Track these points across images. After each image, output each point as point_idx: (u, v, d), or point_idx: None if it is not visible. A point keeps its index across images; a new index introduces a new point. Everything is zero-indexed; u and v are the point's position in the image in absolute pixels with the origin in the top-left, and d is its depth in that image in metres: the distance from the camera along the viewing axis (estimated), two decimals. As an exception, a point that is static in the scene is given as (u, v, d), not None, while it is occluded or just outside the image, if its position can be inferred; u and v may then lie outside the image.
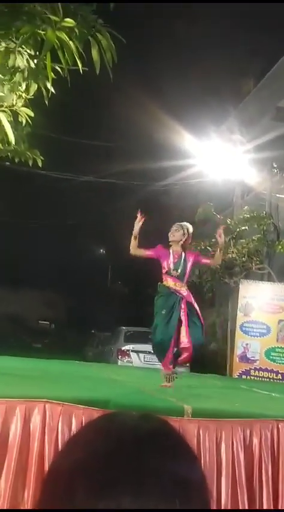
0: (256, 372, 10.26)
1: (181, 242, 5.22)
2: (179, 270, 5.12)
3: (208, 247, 12.09)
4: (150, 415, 0.62)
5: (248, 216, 11.85)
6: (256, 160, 12.48)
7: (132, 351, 12.06)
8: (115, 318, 20.35)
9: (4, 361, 6.85)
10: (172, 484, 0.52)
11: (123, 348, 12.39)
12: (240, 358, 10.49)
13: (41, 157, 5.29)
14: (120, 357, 12.20)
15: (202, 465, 2.58)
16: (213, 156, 12.59)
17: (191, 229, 5.34)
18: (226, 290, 13.14)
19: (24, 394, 3.36)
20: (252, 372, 10.27)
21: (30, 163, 5.30)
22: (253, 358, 10.40)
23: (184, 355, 4.99)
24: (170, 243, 5.26)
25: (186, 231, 5.26)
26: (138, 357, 11.88)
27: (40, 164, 5.34)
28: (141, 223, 5.17)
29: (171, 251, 5.22)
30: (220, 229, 5.46)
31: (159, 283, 5.27)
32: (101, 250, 32.07)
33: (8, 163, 5.96)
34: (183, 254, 5.20)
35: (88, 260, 29.28)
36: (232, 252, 11.68)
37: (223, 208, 13.94)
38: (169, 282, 5.13)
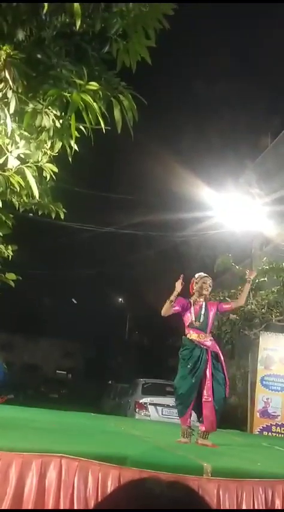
0: (278, 428, 9.91)
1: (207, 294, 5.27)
2: (201, 321, 5.11)
3: (226, 298, 12.02)
4: (177, 483, 0.64)
5: (267, 267, 11.81)
6: (275, 212, 12.60)
7: (149, 403, 11.80)
8: (133, 369, 20.07)
9: (20, 412, 6.78)
10: None
11: (140, 401, 12.13)
12: (261, 414, 10.16)
13: (64, 210, 5.44)
14: (137, 409, 11.93)
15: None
16: (231, 208, 12.76)
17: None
18: (245, 342, 12.93)
19: (40, 448, 3.32)
20: (273, 428, 9.91)
21: (53, 215, 5.45)
22: (274, 414, 10.07)
23: (208, 417, 4.95)
24: (192, 295, 5.28)
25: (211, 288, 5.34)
26: (156, 410, 11.60)
27: (62, 216, 5.48)
28: (180, 287, 5.13)
29: (191, 302, 5.21)
30: (253, 270, 5.50)
31: (183, 336, 5.26)
32: (120, 300, 32.04)
33: (31, 214, 6.14)
34: (204, 304, 5.20)
35: (107, 310, 29.26)
36: (252, 303, 11.57)
37: (242, 259, 13.95)
38: (192, 334, 5.13)
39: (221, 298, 12.08)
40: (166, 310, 5.20)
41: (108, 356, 28.72)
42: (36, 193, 4.08)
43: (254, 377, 11.23)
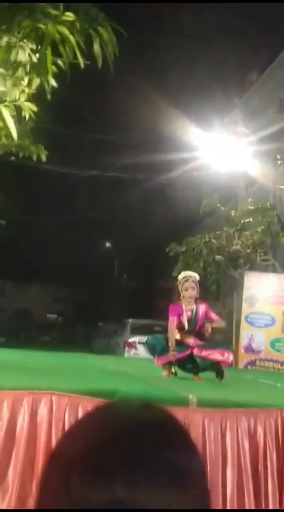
0: (261, 362, 10.29)
1: (196, 296, 5.21)
2: (192, 326, 5.11)
3: (212, 240, 12.10)
4: (149, 404, 0.62)
5: (252, 208, 11.83)
6: (260, 152, 12.45)
7: (138, 342, 12.12)
8: (122, 311, 20.45)
9: (12, 354, 6.92)
10: (168, 474, 0.53)
11: (129, 340, 12.45)
12: (245, 349, 10.51)
13: (45, 152, 5.31)
14: (126, 348, 12.27)
15: (208, 454, 2.64)
16: (217, 148, 12.56)
17: (198, 278, 5.34)
18: (231, 282, 13.15)
19: (31, 386, 3.41)
20: (257, 363, 10.30)
21: (35, 158, 5.32)
22: (258, 349, 10.42)
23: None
24: (181, 298, 5.20)
25: (198, 285, 5.24)
26: (145, 348, 11.94)
27: (44, 159, 5.36)
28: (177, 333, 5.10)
29: (183, 308, 5.15)
30: (208, 327, 5.27)
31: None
32: (108, 244, 32.09)
33: (13, 157, 5.97)
34: (195, 308, 5.16)
35: (95, 254, 29.34)
36: (237, 243, 11.68)
37: (227, 200, 13.92)
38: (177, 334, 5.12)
39: (207, 239, 12.16)
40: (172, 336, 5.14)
41: (98, 299, 29.14)
42: (14, 134, 3.95)
43: (238, 315, 11.52)
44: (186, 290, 5.14)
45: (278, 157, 12.00)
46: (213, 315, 5.31)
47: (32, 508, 3.00)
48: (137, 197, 17.79)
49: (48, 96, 4.07)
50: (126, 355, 12.05)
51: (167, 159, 14.62)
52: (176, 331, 5.12)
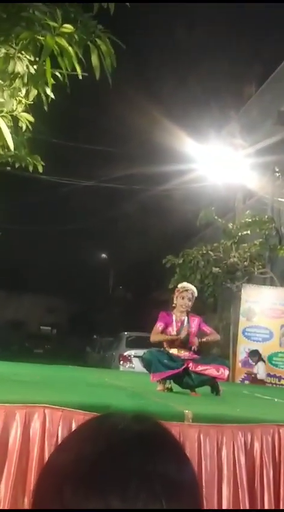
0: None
1: (188, 309, 5.18)
2: (184, 340, 5.06)
3: (209, 252, 12.09)
4: (142, 416, 0.62)
5: (250, 220, 11.85)
6: (258, 164, 12.51)
7: (134, 356, 12.03)
8: (117, 323, 20.35)
9: (4, 366, 6.84)
10: (161, 485, 0.53)
11: (124, 354, 12.36)
12: (242, 364, 10.45)
13: (42, 163, 5.31)
14: (121, 362, 12.17)
15: (203, 470, 2.59)
16: (214, 160, 12.60)
17: (196, 293, 5.31)
18: (228, 295, 13.13)
19: (24, 399, 3.35)
20: (254, 377, 10.22)
21: (31, 168, 5.32)
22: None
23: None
24: (174, 306, 5.21)
25: (194, 299, 5.22)
26: (140, 362, 11.85)
27: (41, 169, 5.36)
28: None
29: (173, 318, 5.14)
30: (196, 340, 5.26)
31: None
32: (103, 255, 32.06)
33: (8, 168, 5.97)
34: (186, 319, 5.13)
35: (89, 265, 29.31)
36: (234, 256, 11.67)
37: (225, 213, 13.95)
38: (170, 350, 5.09)
39: (204, 252, 12.15)
40: (156, 337, 5.17)
41: (93, 311, 29.02)
42: (11, 144, 3.93)
43: (236, 329, 11.47)
44: (182, 298, 5.12)
45: (277, 169, 12.05)
46: (206, 328, 5.28)
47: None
48: (133, 208, 17.84)
49: (45, 108, 4.07)
50: (121, 368, 11.95)
51: (164, 171, 14.68)
52: (159, 334, 5.11)
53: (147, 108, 13.44)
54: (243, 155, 12.34)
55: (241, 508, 3.55)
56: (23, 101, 4.34)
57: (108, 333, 17.99)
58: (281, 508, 3.65)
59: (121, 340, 13.82)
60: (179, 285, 5.34)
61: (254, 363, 9.86)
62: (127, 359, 12.12)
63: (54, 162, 9.24)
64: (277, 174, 12.31)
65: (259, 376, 9.70)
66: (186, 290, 5.19)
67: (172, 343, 5.16)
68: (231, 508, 3.53)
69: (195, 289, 5.36)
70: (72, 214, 23.70)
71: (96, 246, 29.05)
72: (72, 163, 16.85)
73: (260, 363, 9.81)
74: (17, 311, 29.60)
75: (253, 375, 9.81)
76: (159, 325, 5.14)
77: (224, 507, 3.54)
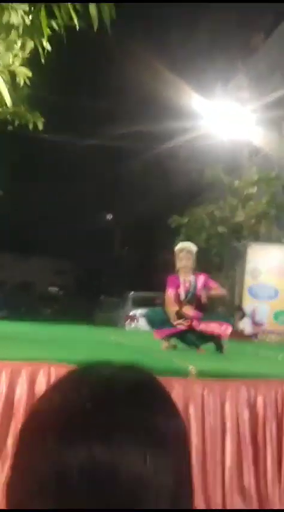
0: (265, 334, 10.31)
1: (192, 267, 5.15)
2: (190, 297, 5.06)
3: (215, 211, 11.98)
4: (132, 366, 0.61)
5: (256, 178, 11.65)
6: (265, 119, 12.15)
7: (140, 315, 12.14)
8: (124, 284, 20.48)
9: (13, 326, 6.93)
10: (147, 435, 0.52)
11: (131, 313, 12.48)
12: (248, 322, 10.51)
13: (42, 119, 5.19)
14: (128, 321, 12.31)
15: (207, 425, 2.59)
16: (220, 115, 12.24)
17: (195, 250, 5.28)
18: (234, 254, 13.09)
19: (30, 356, 3.40)
20: (260, 335, 10.31)
21: (31, 126, 5.20)
22: (261, 322, 10.42)
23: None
24: (177, 269, 5.18)
25: (194, 256, 5.18)
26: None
27: (41, 126, 5.24)
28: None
29: (181, 280, 5.12)
30: (204, 294, 5.22)
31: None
32: (108, 216, 31.94)
33: (10, 127, 5.84)
34: (193, 279, 5.11)
35: (95, 226, 29.24)
36: (240, 215, 11.56)
37: (231, 171, 13.71)
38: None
39: (210, 211, 12.04)
40: (169, 309, 5.13)
41: (99, 272, 29.21)
42: (8, 100, 3.82)
43: (241, 288, 11.50)
44: (180, 261, 5.12)
45: (284, 124, 11.73)
46: (212, 283, 5.28)
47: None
48: (138, 168, 17.55)
49: (42, 60, 3.93)
50: (127, 328, 12.10)
51: (168, 128, 14.33)
52: (174, 303, 5.12)
53: (149, 60, 12.98)
54: (250, 110, 11.96)
55: (244, 462, 3.63)
56: (20, 54, 4.19)
57: (115, 293, 18.13)
58: (283, 461, 3.72)
59: (127, 300, 13.94)
60: (175, 248, 5.30)
61: (238, 319, 9.99)
62: (134, 318, 12.24)
63: (55, 120, 9.04)
64: (284, 131, 12.01)
65: (245, 332, 9.82)
66: (181, 251, 5.18)
67: (179, 302, 5.18)
68: (235, 461, 3.61)
69: (190, 245, 5.33)
70: (77, 174, 23.40)
71: (101, 206, 28.89)
72: (74, 121, 16.46)
73: (245, 319, 9.96)
74: (24, 273, 29.84)
75: (239, 331, 9.89)
76: (170, 292, 5.14)
77: (227, 462, 3.61)
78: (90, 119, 17.00)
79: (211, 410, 3.57)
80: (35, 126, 5.24)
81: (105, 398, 0.54)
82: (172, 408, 0.59)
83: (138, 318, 12.19)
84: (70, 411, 0.53)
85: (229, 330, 5.08)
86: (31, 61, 4.40)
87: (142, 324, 12.03)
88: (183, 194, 17.05)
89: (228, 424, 3.62)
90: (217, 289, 5.34)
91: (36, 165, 22.25)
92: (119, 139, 15.54)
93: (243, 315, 10.07)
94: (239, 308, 10.61)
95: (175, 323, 5.03)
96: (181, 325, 4.98)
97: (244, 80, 13.11)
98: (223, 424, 3.61)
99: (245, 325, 9.91)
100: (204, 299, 5.11)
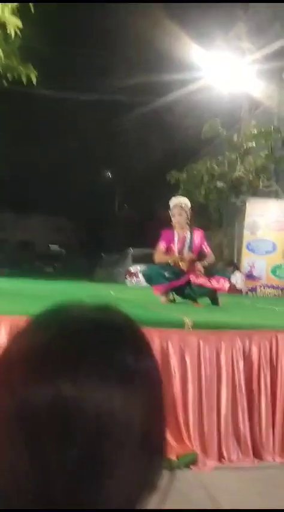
0: (262, 289, 10.43)
1: (187, 222, 5.12)
2: (184, 252, 5.06)
3: (214, 166, 11.85)
4: (106, 307, 0.59)
5: (255, 131, 11.44)
6: (265, 71, 11.80)
7: (140, 271, 12.23)
8: (124, 241, 20.50)
9: (14, 283, 7.00)
10: (115, 372, 0.52)
11: (130, 269, 12.57)
12: (246, 277, 10.61)
13: (35, 72, 5.06)
14: (128, 277, 12.42)
15: (203, 374, 2.66)
16: (219, 66, 11.87)
17: (189, 205, 5.24)
18: (233, 210, 13.05)
19: (30, 311, 3.45)
20: (258, 290, 10.43)
21: (24, 79, 5.08)
22: (259, 276, 10.52)
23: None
24: (173, 225, 5.17)
25: (188, 211, 5.16)
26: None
27: (34, 80, 5.12)
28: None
29: (176, 235, 5.11)
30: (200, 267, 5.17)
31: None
32: (107, 174, 31.59)
33: (4, 82, 5.69)
34: (189, 235, 5.10)
35: (95, 184, 28.96)
36: (239, 170, 11.44)
37: (231, 125, 13.46)
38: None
39: (209, 166, 11.90)
40: (158, 258, 5.14)
41: (100, 230, 29.18)
42: (-1, 51, 3.72)
43: (240, 243, 11.53)
44: (174, 216, 5.13)
45: (284, 77, 11.40)
46: (206, 247, 5.30)
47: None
48: (136, 123, 17.19)
49: (32, 9, 3.80)
50: (127, 283, 12.21)
51: (166, 80, 13.94)
52: (164, 255, 5.16)
53: (146, 10, 12.48)
54: (250, 61, 11.59)
55: (239, 409, 3.77)
56: (9, 5, 4.04)
57: (115, 250, 18.18)
58: (277, 407, 3.85)
59: (127, 256, 14.03)
60: (170, 203, 5.28)
61: (230, 274, 10.08)
62: (133, 274, 12.34)
63: (49, 74, 8.78)
64: (285, 82, 11.68)
65: (238, 286, 9.94)
66: (174, 207, 5.17)
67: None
68: (230, 408, 3.74)
69: (183, 200, 5.32)
70: (75, 131, 22.91)
71: (100, 164, 28.50)
72: (69, 75, 15.96)
73: (237, 273, 10.06)
74: (25, 231, 29.83)
75: (231, 286, 10.02)
76: (162, 245, 5.19)
77: (223, 409, 3.74)
78: (86, 72, 16.51)
79: (207, 360, 3.67)
80: (29, 80, 5.12)
81: (73, 337, 0.53)
82: (144, 348, 0.58)
83: (138, 274, 12.29)
84: (38, 349, 0.53)
85: (227, 284, 5.15)
86: (22, 13, 4.25)
87: (142, 279, 12.13)
88: (182, 151, 16.79)
89: (223, 373, 3.73)
90: (209, 257, 5.36)
91: (33, 122, 21.77)
92: (117, 93, 15.16)
93: (234, 270, 10.17)
94: (231, 263, 10.69)
95: (170, 261, 5.07)
96: (177, 264, 5.01)
97: (245, 29, 12.62)
98: (219, 373, 3.72)
99: (237, 280, 10.02)
100: (200, 272, 5.12)
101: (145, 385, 0.54)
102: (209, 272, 5.49)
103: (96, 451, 0.50)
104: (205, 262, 5.21)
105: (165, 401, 0.58)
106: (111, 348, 0.54)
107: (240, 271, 10.18)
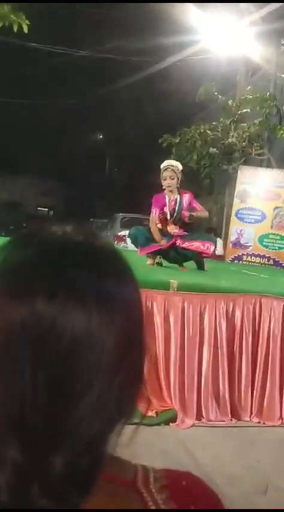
0: (249, 257, 10.48)
1: (177, 186, 5.11)
2: (175, 216, 5.08)
3: (207, 131, 11.68)
4: (89, 231, 0.58)
5: (250, 97, 11.23)
6: (263, 34, 11.47)
7: (128, 236, 12.21)
8: (114, 205, 20.38)
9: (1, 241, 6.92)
10: (92, 293, 0.51)
11: (119, 233, 12.56)
12: (234, 244, 10.64)
13: (26, 21, 4.88)
14: (116, 242, 12.41)
15: (186, 334, 2.70)
16: (216, 28, 11.52)
17: (181, 168, 5.21)
18: (224, 177, 12.96)
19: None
20: (244, 258, 10.48)
21: (15, 28, 4.90)
22: (246, 244, 10.55)
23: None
24: (164, 188, 5.16)
25: (179, 175, 5.13)
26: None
27: (26, 30, 4.94)
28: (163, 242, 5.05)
29: (167, 199, 5.11)
30: (187, 213, 5.17)
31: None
32: (99, 136, 31.06)
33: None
34: (178, 198, 5.10)
35: (85, 147, 28.46)
36: (232, 136, 11.30)
37: (226, 90, 13.20)
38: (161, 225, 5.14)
39: (202, 130, 11.73)
40: (153, 228, 5.15)
41: (89, 194, 28.88)
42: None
43: (229, 210, 11.50)
44: (164, 179, 5.10)
45: (283, 42, 11.11)
46: (196, 204, 5.29)
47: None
48: (129, 85, 16.77)
49: None
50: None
51: (161, 42, 13.54)
52: (157, 222, 5.18)
53: None
54: (248, 22, 11.23)
55: (220, 369, 3.83)
56: None
57: (104, 215, 18.08)
58: (257, 367, 3.93)
59: (116, 221, 13.99)
60: (161, 166, 5.26)
61: None
62: (122, 239, 12.33)
63: (41, 28, 8.47)
64: (283, 48, 11.43)
65: (217, 252, 9.99)
66: (166, 169, 5.15)
67: (164, 221, 5.22)
68: (211, 367, 3.80)
69: (174, 163, 5.28)
70: (64, 91, 22.27)
71: (91, 125, 27.91)
72: (62, 30, 15.38)
73: (217, 239, 10.13)
74: (13, 193, 29.40)
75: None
76: (155, 211, 5.21)
77: (204, 369, 3.81)
78: (80, 30, 15.94)
79: (190, 320, 3.71)
80: (20, 28, 4.93)
81: (51, 257, 0.52)
82: (125, 272, 0.57)
83: (126, 239, 12.28)
84: (12, 269, 0.52)
85: (212, 248, 5.16)
86: None
87: (129, 244, 12.13)
88: (176, 115, 16.49)
89: (206, 335, 3.78)
90: (201, 211, 5.36)
91: (21, 80, 21.07)
92: (110, 52, 14.74)
93: (214, 235, 10.20)
94: (211, 229, 10.65)
95: (159, 242, 5.10)
96: (163, 243, 5.08)
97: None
98: (202, 334, 3.77)
99: (217, 246, 10.10)
100: (186, 219, 5.16)
101: (124, 310, 0.53)
102: (197, 234, 5.50)
103: (68, 371, 0.49)
104: (196, 214, 5.23)
105: (144, 328, 0.57)
106: (91, 269, 0.52)
107: (220, 237, 10.23)
